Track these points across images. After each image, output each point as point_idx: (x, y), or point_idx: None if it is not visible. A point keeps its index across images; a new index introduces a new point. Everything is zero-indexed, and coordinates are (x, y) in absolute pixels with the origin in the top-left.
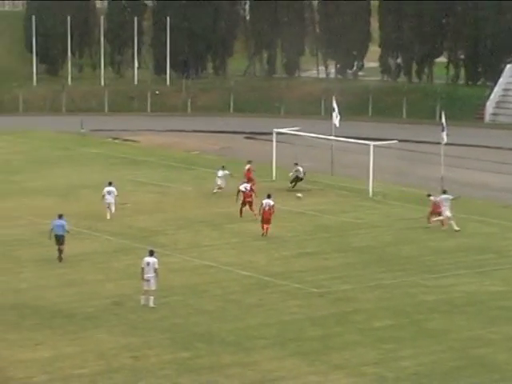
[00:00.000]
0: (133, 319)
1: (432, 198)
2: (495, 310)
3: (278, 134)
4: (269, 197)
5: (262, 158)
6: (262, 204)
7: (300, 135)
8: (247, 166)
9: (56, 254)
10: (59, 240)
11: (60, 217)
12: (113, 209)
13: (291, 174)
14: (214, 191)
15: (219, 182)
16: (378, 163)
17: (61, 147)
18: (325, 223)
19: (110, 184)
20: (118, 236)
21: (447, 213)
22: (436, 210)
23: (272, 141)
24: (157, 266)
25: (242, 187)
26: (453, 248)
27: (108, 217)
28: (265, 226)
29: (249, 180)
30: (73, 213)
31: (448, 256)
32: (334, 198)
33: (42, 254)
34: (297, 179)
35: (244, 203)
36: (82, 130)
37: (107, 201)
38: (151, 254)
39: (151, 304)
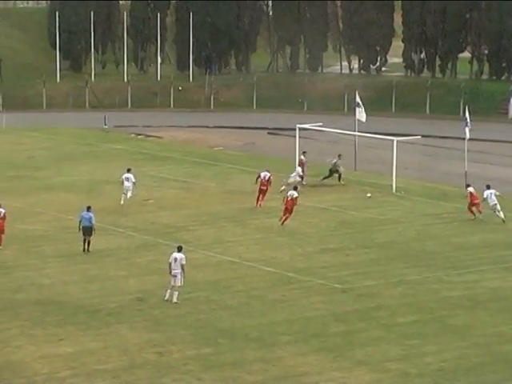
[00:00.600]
0: (156, 315)
1: (470, 189)
2: None
3: (301, 129)
4: (295, 188)
5: (284, 154)
6: (287, 193)
7: (323, 131)
8: (301, 157)
9: (81, 246)
10: (86, 231)
11: (88, 209)
12: (129, 194)
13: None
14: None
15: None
16: (402, 159)
17: (84, 143)
18: (348, 219)
19: (128, 171)
20: (141, 232)
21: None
22: (474, 202)
23: (295, 136)
24: (184, 262)
25: (262, 174)
26: (477, 244)
27: (121, 202)
28: (284, 216)
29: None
30: (96, 208)
31: (472, 252)
32: (358, 193)
33: (65, 249)
34: (335, 172)
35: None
36: (106, 126)
37: (125, 187)
38: (179, 249)
39: (175, 299)
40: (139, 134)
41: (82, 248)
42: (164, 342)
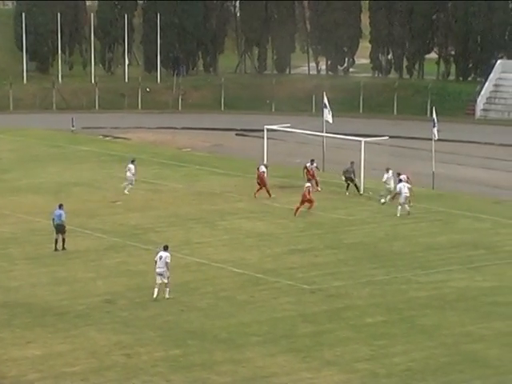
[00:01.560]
0: (124, 317)
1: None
2: (487, 305)
3: (269, 130)
4: (309, 180)
5: (253, 155)
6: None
7: (291, 132)
8: (308, 165)
9: (52, 247)
10: (57, 229)
11: (60, 206)
12: (128, 185)
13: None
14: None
15: None
16: (369, 159)
17: (52, 145)
18: (316, 220)
19: (132, 161)
20: (109, 233)
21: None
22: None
23: (263, 137)
24: (168, 260)
25: (308, 164)
26: (444, 244)
27: (126, 192)
28: (301, 206)
29: (312, 178)
30: (64, 210)
31: (439, 252)
32: (326, 194)
33: (32, 251)
34: (349, 180)
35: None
36: (73, 128)
37: (127, 177)
38: (165, 248)
39: (167, 296)
40: (107, 136)
41: (53, 248)
42: (133, 344)
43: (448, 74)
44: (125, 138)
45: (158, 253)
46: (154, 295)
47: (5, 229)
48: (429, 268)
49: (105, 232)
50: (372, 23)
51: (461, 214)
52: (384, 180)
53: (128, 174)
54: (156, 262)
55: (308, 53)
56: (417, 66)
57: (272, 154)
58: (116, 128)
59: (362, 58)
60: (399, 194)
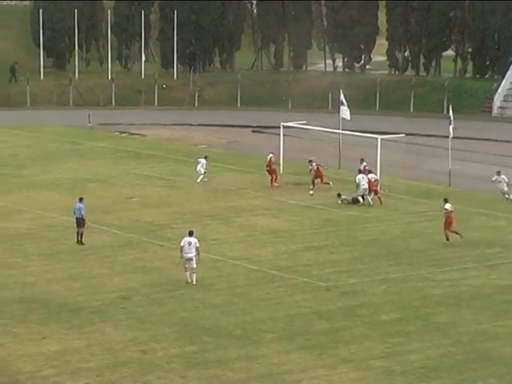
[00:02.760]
0: (140, 313)
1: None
2: (502, 303)
3: (285, 127)
4: (370, 172)
5: (269, 152)
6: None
7: (307, 129)
8: (314, 166)
9: (76, 238)
10: (77, 222)
11: (80, 200)
12: (200, 178)
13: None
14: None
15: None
16: (386, 157)
17: (68, 141)
18: (332, 217)
19: (205, 157)
20: (125, 230)
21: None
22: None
23: (279, 134)
24: (198, 244)
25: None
26: (460, 242)
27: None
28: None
29: (319, 176)
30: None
31: (455, 250)
32: (342, 191)
33: (48, 247)
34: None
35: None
36: (89, 124)
37: (198, 170)
38: (191, 234)
39: (194, 281)
40: (123, 132)
41: (75, 240)
42: (148, 340)
43: (465, 72)
44: (141, 135)
45: (183, 239)
46: (188, 280)
47: (21, 225)
48: (444, 266)
49: (120, 228)
50: (389, 20)
51: (476, 211)
52: (357, 182)
53: (198, 166)
54: (182, 247)
55: (324, 50)
56: (433, 64)
57: (288, 151)
58: (132, 124)
59: (379, 56)
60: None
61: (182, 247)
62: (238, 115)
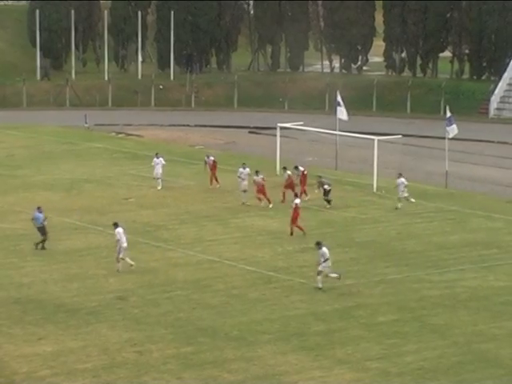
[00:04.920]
0: (136, 314)
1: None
2: (499, 305)
3: (282, 128)
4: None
5: (265, 153)
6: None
7: (304, 130)
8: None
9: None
10: (39, 232)
11: (38, 209)
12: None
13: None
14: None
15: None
16: (382, 158)
17: (64, 142)
18: (329, 218)
19: (156, 155)
20: None
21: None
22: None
23: (276, 135)
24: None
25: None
26: (457, 243)
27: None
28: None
29: (289, 186)
30: (76, 207)
31: (452, 251)
32: (338, 192)
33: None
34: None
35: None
36: (86, 125)
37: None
38: (117, 225)
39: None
40: (120, 133)
41: (39, 245)
42: (144, 341)
43: (462, 73)
44: (138, 135)
45: (118, 232)
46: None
47: (17, 225)
48: (441, 267)
49: None
50: (386, 21)
51: (473, 213)
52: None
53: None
54: (120, 239)
55: (321, 51)
56: (430, 65)
57: (284, 152)
58: (129, 125)
59: (376, 57)
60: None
61: (118, 240)
62: (235, 116)
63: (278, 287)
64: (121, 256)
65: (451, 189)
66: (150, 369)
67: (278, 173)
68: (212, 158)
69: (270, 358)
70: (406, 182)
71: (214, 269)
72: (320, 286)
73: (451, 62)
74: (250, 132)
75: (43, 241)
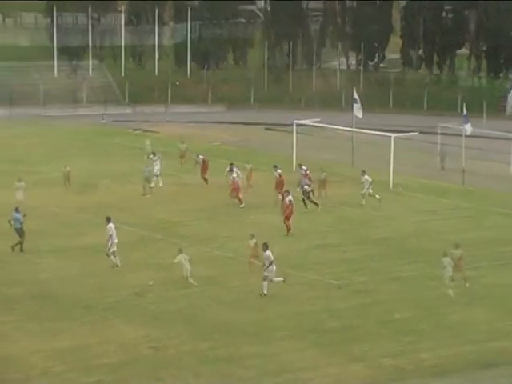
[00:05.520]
0: (152, 310)
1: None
2: None
3: (299, 125)
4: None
5: (281, 150)
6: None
7: (321, 127)
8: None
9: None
10: (17, 233)
11: (16, 210)
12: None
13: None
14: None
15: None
16: (399, 155)
17: (81, 138)
18: (345, 215)
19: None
20: (137, 227)
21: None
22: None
23: (292, 132)
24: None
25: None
26: (473, 240)
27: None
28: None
29: (279, 184)
30: (93, 203)
31: (468, 248)
32: (355, 189)
33: (61, 244)
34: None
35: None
36: (103, 121)
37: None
38: (109, 220)
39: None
40: (136, 129)
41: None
42: (160, 337)
43: (479, 70)
44: (154, 132)
45: (110, 228)
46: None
47: (34, 221)
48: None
49: (133, 225)
50: (403, 18)
51: (490, 210)
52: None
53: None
54: (112, 234)
55: (338, 48)
56: (447, 62)
57: (300, 149)
58: (145, 121)
59: (393, 54)
60: None
61: (111, 235)
62: (251, 113)
63: (294, 284)
64: (111, 251)
65: (468, 186)
66: (166, 365)
67: (294, 169)
68: (202, 157)
69: (285, 355)
70: (370, 179)
71: (229, 265)
72: (265, 292)
73: (468, 59)
74: (266, 129)
75: (20, 243)
